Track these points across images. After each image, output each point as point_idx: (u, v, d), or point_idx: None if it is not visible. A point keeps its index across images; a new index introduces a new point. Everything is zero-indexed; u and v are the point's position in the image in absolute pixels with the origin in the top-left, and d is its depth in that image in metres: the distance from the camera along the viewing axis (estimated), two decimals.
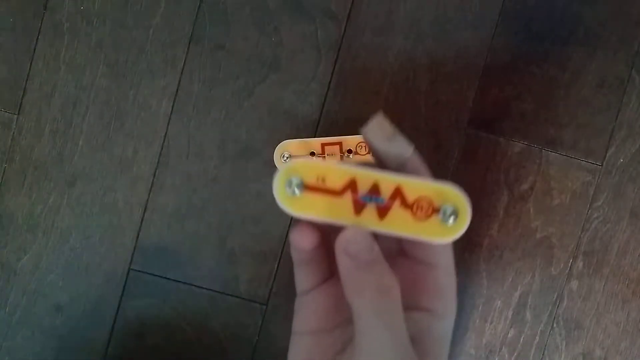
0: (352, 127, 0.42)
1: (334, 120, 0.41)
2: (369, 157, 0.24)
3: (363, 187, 0.23)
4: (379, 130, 0.24)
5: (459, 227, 0.23)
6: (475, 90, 0.41)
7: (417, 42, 0.41)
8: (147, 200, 0.42)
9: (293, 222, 0.23)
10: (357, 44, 0.41)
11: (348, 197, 0.23)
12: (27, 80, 0.42)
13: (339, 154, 0.38)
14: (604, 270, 0.41)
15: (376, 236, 0.24)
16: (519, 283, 0.41)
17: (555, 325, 0.41)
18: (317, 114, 0.41)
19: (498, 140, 0.41)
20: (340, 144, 0.37)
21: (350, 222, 0.23)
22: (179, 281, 0.42)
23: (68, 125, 0.42)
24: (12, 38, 0.42)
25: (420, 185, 0.23)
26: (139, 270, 0.42)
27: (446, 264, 0.24)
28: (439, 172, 0.41)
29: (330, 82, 0.41)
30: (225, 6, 0.41)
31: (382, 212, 0.23)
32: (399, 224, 0.23)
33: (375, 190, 0.23)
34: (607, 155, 0.41)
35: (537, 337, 0.41)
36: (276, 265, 0.42)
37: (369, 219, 0.23)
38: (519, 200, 0.41)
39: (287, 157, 0.37)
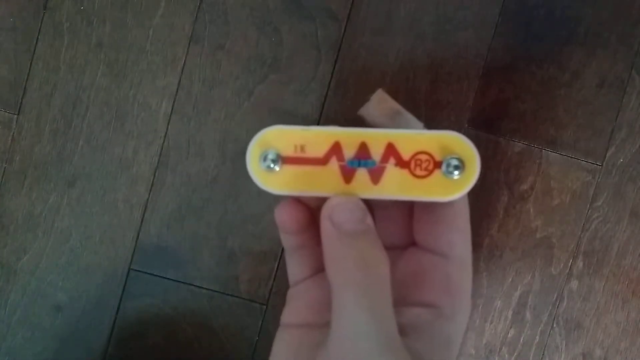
0: (352, 127, 0.42)
1: (334, 120, 0.41)
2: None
3: (349, 151, 0.19)
4: (381, 107, 0.21)
5: (468, 179, 0.20)
6: (475, 90, 0.41)
7: (417, 42, 0.41)
8: (147, 200, 0.42)
9: (277, 200, 0.22)
10: (357, 44, 0.41)
11: (334, 165, 0.19)
12: (27, 80, 0.42)
13: None
14: (604, 270, 0.41)
15: (377, 216, 0.21)
16: (519, 283, 0.41)
17: (555, 325, 0.41)
18: (317, 114, 0.41)
19: (498, 140, 0.41)
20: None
21: (340, 192, 0.19)
22: (179, 281, 0.42)
23: (68, 125, 0.42)
24: (12, 38, 0.42)
25: (416, 138, 0.19)
26: (139, 270, 0.42)
27: (461, 255, 0.21)
28: None
29: (330, 82, 0.41)
30: (225, 6, 0.41)
31: (376, 175, 0.19)
32: (396, 186, 0.19)
33: (363, 152, 0.19)
34: (607, 155, 0.41)
35: (537, 337, 0.42)
36: (276, 265, 0.42)
37: (361, 186, 0.19)
38: (519, 200, 0.41)
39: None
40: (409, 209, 0.22)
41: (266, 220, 0.42)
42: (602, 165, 0.41)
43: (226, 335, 0.42)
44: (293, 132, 0.20)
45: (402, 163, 0.19)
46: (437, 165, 0.19)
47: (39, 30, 0.42)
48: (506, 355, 0.42)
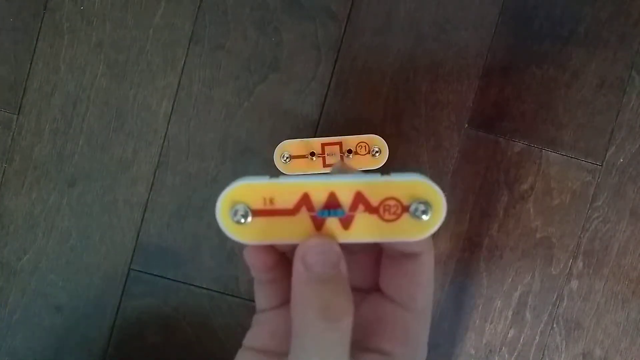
0: (352, 127, 0.42)
1: (334, 120, 0.41)
2: (369, 158, 0.25)
3: (318, 201, 0.19)
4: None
5: (435, 220, 0.20)
6: (475, 90, 0.41)
7: (417, 42, 0.41)
8: (147, 200, 0.42)
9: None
10: (357, 44, 0.41)
11: (304, 214, 0.20)
12: (27, 80, 0.42)
13: (339, 154, 0.38)
14: (604, 270, 0.41)
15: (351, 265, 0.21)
16: (519, 283, 0.41)
17: (555, 325, 0.41)
18: (317, 114, 0.41)
19: (498, 140, 0.41)
20: (340, 143, 0.37)
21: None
22: (179, 281, 0.42)
23: (68, 125, 0.42)
24: (12, 38, 0.42)
25: (383, 186, 0.20)
26: (139, 270, 0.42)
27: (422, 307, 0.21)
28: (439, 172, 0.41)
29: (330, 82, 0.41)
30: (225, 6, 0.41)
31: (346, 221, 0.20)
32: (367, 231, 0.20)
33: (332, 201, 0.20)
34: (607, 155, 0.41)
35: (537, 337, 0.41)
36: None
37: (333, 232, 0.20)
38: (519, 200, 0.41)
39: (287, 158, 0.38)
40: (376, 255, 0.23)
41: None
42: (602, 165, 0.41)
43: (226, 335, 0.42)
44: (261, 185, 0.20)
45: (371, 209, 0.20)
46: (405, 209, 0.20)
47: (39, 30, 0.42)
48: (506, 355, 0.42)
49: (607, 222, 0.41)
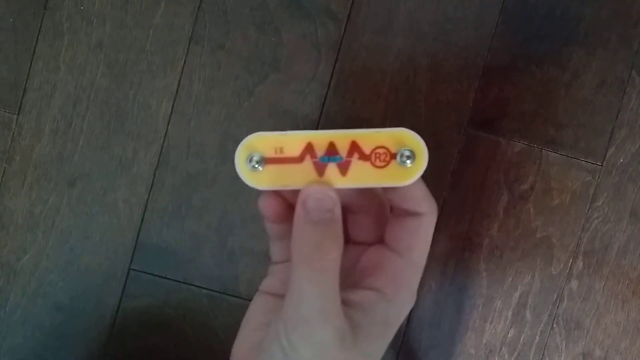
0: (352, 127, 0.42)
1: (334, 120, 0.41)
2: (395, 167, 0.25)
3: (320, 149, 0.23)
4: None
5: (418, 166, 0.24)
6: (475, 90, 0.41)
7: (417, 42, 0.41)
8: (147, 200, 0.42)
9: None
10: (357, 44, 0.41)
11: (308, 161, 0.24)
12: (27, 80, 0.42)
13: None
14: (604, 270, 0.41)
15: (359, 221, 0.26)
16: (519, 283, 0.41)
17: (555, 325, 0.41)
18: (317, 114, 0.41)
19: (498, 140, 0.41)
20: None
21: (315, 183, 0.24)
22: (179, 281, 0.42)
23: (68, 125, 0.42)
24: (12, 38, 0.42)
25: (374, 135, 0.23)
26: (139, 270, 0.42)
27: (416, 260, 0.25)
28: (439, 172, 0.41)
29: (330, 82, 0.41)
30: (225, 6, 0.41)
31: (344, 168, 0.23)
32: (361, 176, 0.23)
33: (332, 149, 0.23)
34: (607, 155, 0.41)
35: (537, 337, 0.42)
36: None
37: (333, 178, 0.23)
38: (519, 200, 0.41)
39: (258, 163, 0.25)
40: (375, 216, 0.27)
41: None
42: (602, 165, 0.41)
43: (226, 335, 0.42)
44: (272, 137, 0.24)
45: (364, 157, 0.23)
46: (393, 156, 0.23)
47: (39, 30, 0.42)
48: (506, 355, 0.42)
49: (607, 222, 0.41)
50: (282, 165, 0.24)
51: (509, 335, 0.42)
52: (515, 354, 0.42)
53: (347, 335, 0.23)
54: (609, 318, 0.41)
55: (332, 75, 0.41)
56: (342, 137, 0.23)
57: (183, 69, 0.42)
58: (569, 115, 0.41)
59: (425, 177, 0.38)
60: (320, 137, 0.23)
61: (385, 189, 0.25)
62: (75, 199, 0.42)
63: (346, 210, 0.26)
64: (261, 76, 0.42)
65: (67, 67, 0.42)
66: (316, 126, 0.41)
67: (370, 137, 0.23)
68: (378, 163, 0.23)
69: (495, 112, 0.41)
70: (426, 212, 0.25)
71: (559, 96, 0.41)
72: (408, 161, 0.23)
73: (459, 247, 0.42)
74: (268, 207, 0.25)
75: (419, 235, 0.25)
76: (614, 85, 0.41)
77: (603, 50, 0.41)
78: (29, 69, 0.42)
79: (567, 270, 0.41)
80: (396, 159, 0.23)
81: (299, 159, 0.24)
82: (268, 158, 0.24)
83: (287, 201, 0.25)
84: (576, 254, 0.41)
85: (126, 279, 0.42)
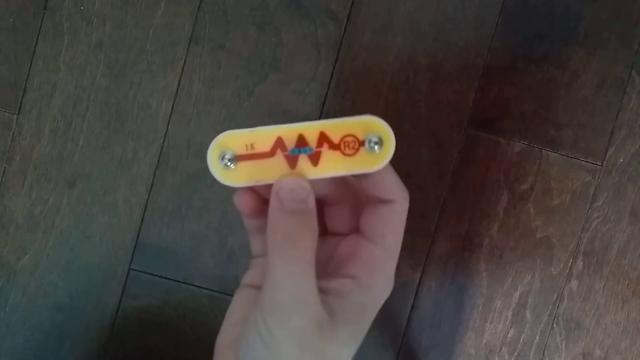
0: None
1: None
2: (363, 154, 0.25)
3: (290, 142, 0.24)
4: None
5: (386, 151, 0.24)
6: (475, 90, 0.41)
7: (417, 42, 0.41)
8: (147, 200, 0.42)
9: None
10: (357, 44, 0.41)
11: (280, 155, 0.24)
12: (27, 80, 0.42)
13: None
14: (604, 270, 0.41)
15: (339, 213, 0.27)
16: (519, 283, 0.41)
17: (555, 325, 0.41)
18: (317, 114, 0.41)
19: (498, 140, 0.41)
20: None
21: (288, 175, 0.24)
22: (179, 281, 0.42)
23: (68, 125, 0.42)
24: (12, 38, 0.42)
25: (342, 124, 0.24)
26: (139, 270, 0.42)
27: (389, 246, 0.25)
28: (439, 172, 0.41)
29: (330, 82, 0.41)
30: (225, 6, 0.41)
31: (315, 159, 0.24)
32: (332, 165, 0.24)
33: (302, 141, 0.24)
34: (607, 155, 0.41)
35: (537, 337, 0.42)
36: None
37: (305, 169, 0.24)
38: (519, 200, 0.41)
39: (230, 160, 0.25)
40: (351, 207, 0.27)
41: None
42: (602, 165, 0.41)
43: None
44: (243, 134, 0.24)
45: (333, 146, 0.24)
46: (362, 143, 0.24)
47: (39, 30, 0.42)
48: (506, 355, 0.42)
49: (607, 222, 0.41)
50: (254, 161, 0.24)
51: (509, 335, 0.42)
52: (515, 354, 0.42)
53: (324, 322, 0.23)
54: (609, 318, 0.41)
55: (332, 75, 0.41)
56: (310, 128, 0.24)
57: (183, 69, 0.42)
58: (569, 115, 0.41)
59: (425, 177, 0.38)
60: (289, 131, 0.24)
61: (358, 178, 0.25)
62: (75, 199, 0.42)
63: (322, 203, 0.27)
64: (261, 76, 0.42)
65: (67, 67, 0.42)
66: None
67: (337, 127, 0.24)
68: (347, 151, 0.24)
69: (495, 112, 0.41)
70: (397, 199, 0.25)
71: (559, 96, 0.41)
72: (376, 147, 0.23)
73: (459, 247, 0.42)
74: (244, 203, 0.26)
75: (392, 222, 0.25)
76: (614, 85, 0.41)
77: (603, 50, 0.41)
78: (29, 69, 0.42)
79: (567, 270, 0.41)
80: (365, 146, 0.24)
81: (270, 154, 0.24)
82: (240, 155, 0.24)
83: (262, 196, 0.26)
84: (576, 254, 0.41)
85: (126, 279, 0.42)
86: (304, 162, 0.24)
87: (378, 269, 0.25)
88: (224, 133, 0.24)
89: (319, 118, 0.41)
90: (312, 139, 0.24)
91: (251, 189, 0.25)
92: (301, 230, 0.23)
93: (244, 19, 0.41)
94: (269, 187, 0.24)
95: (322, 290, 0.24)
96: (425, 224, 0.41)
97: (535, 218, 0.41)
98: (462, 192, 0.41)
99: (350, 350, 0.25)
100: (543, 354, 0.42)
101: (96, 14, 0.42)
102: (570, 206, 0.41)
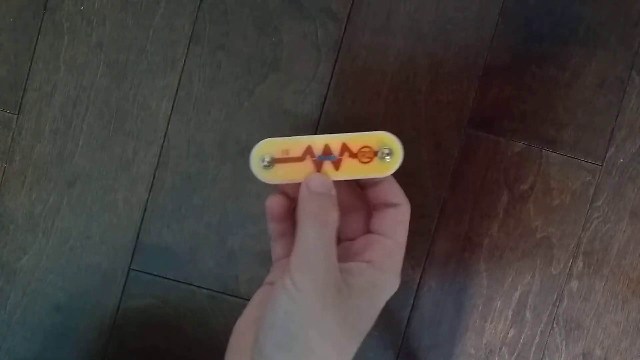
0: (352, 127, 0.42)
1: (334, 120, 0.41)
2: (377, 162, 0.31)
3: (318, 150, 0.29)
4: None
5: (395, 161, 0.29)
6: (475, 90, 0.41)
7: (417, 42, 0.41)
8: (147, 200, 0.42)
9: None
10: (357, 44, 0.41)
11: (308, 160, 0.29)
12: (27, 80, 0.42)
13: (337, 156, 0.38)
14: (604, 270, 0.41)
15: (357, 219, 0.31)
16: (519, 283, 0.41)
17: (555, 325, 0.41)
18: (317, 114, 0.41)
19: (498, 140, 0.41)
20: (343, 145, 0.37)
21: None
22: (179, 281, 0.42)
23: (68, 125, 0.42)
24: (12, 38, 0.42)
25: (360, 138, 0.29)
26: (139, 270, 0.42)
27: (399, 239, 0.30)
28: (439, 172, 0.41)
29: (330, 82, 0.41)
30: (225, 6, 0.41)
31: (337, 164, 0.29)
32: (351, 170, 0.29)
33: (327, 150, 0.29)
34: (607, 155, 0.41)
35: (537, 337, 0.42)
36: None
37: (328, 172, 0.29)
38: (519, 200, 0.41)
39: (269, 162, 0.30)
40: (364, 216, 0.32)
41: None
42: (602, 165, 0.41)
43: (226, 335, 0.42)
44: (280, 141, 0.30)
45: (352, 155, 0.29)
46: (375, 154, 0.29)
47: (39, 30, 0.42)
48: (506, 355, 0.42)
49: (607, 222, 0.41)
50: (287, 164, 0.29)
51: (509, 335, 0.42)
52: (515, 354, 0.42)
53: (343, 288, 0.27)
54: (609, 318, 0.41)
55: (332, 75, 0.41)
56: (335, 140, 0.29)
57: (183, 69, 0.42)
58: (569, 115, 0.41)
59: (425, 177, 0.38)
60: (318, 141, 0.29)
61: (369, 188, 0.31)
62: (75, 199, 0.42)
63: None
64: (261, 76, 0.42)
65: (67, 67, 0.42)
66: (316, 126, 0.41)
67: (357, 139, 0.29)
68: (364, 159, 0.29)
69: (495, 112, 0.41)
70: (402, 203, 0.30)
71: (559, 96, 0.41)
72: (387, 157, 0.29)
73: (459, 247, 0.42)
74: (275, 205, 0.30)
75: (400, 220, 0.30)
76: (614, 85, 0.41)
77: (603, 50, 0.41)
78: (29, 69, 0.42)
79: (567, 270, 0.41)
80: (378, 156, 0.29)
81: (301, 159, 0.29)
82: (276, 158, 0.29)
83: (290, 199, 0.30)
84: (576, 254, 0.41)
85: (126, 279, 0.42)
86: (328, 166, 0.29)
87: (390, 256, 0.29)
88: (265, 140, 0.29)
89: (319, 118, 0.41)
90: (335, 148, 0.29)
91: (282, 193, 0.30)
92: (328, 206, 0.28)
93: (244, 19, 0.41)
94: (296, 188, 0.29)
95: (340, 270, 0.27)
96: (425, 224, 0.41)
97: (535, 218, 0.41)
98: (462, 192, 0.41)
99: (365, 325, 0.28)
100: (543, 354, 0.42)
101: (96, 14, 0.42)
102: (570, 206, 0.41)
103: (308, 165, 0.29)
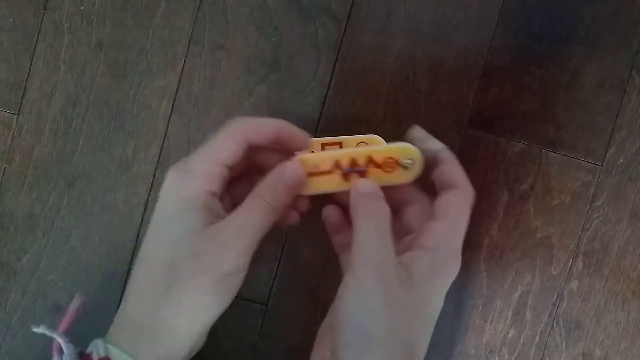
0: (352, 126, 0.42)
1: (334, 120, 0.41)
2: (399, 171, 0.34)
3: (345, 164, 0.32)
4: (417, 134, 0.35)
5: (416, 169, 0.33)
6: (475, 90, 0.41)
7: (417, 42, 0.41)
8: (147, 200, 0.42)
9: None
10: (357, 44, 0.41)
11: (337, 173, 0.32)
12: (27, 80, 0.42)
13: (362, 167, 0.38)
14: (604, 270, 0.41)
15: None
16: (519, 283, 0.41)
17: (555, 325, 0.41)
18: (317, 114, 0.41)
19: (498, 140, 0.41)
20: (340, 143, 0.37)
21: (343, 187, 0.32)
22: None
23: (68, 125, 0.42)
24: (12, 38, 0.42)
25: (383, 150, 0.33)
26: None
27: (452, 220, 0.31)
28: None
29: (330, 82, 0.41)
30: (225, 6, 0.41)
31: (363, 175, 0.32)
32: (376, 179, 0.32)
33: (354, 163, 0.32)
34: (607, 155, 0.41)
35: (537, 337, 0.42)
36: (276, 265, 0.42)
37: (355, 182, 0.32)
38: (519, 200, 0.41)
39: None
40: (419, 205, 0.34)
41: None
42: (602, 165, 0.41)
43: (226, 335, 0.42)
44: (310, 158, 0.33)
45: (377, 166, 0.32)
46: (398, 163, 0.32)
47: (39, 30, 0.42)
48: (506, 355, 0.42)
49: (607, 222, 0.41)
50: (319, 177, 0.33)
51: (509, 335, 0.42)
52: (515, 354, 0.42)
53: (404, 278, 0.28)
54: (609, 318, 0.41)
55: (332, 75, 0.41)
56: (360, 153, 0.32)
57: (183, 69, 0.42)
58: (569, 115, 0.41)
59: (424, 177, 0.38)
60: (345, 155, 0.32)
61: (433, 170, 0.33)
62: (75, 199, 0.42)
63: (393, 210, 0.32)
64: (261, 76, 0.42)
65: (67, 67, 0.42)
66: (316, 126, 0.41)
67: (381, 152, 0.32)
68: (387, 169, 0.32)
69: (495, 112, 0.41)
70: (460, 185, 0.31)
71: (559, 96, 0.41)
72: (409, 166, 0.32)
73: None
74: (330, 215, 0.35)
75: (453, 201, 0.31)
76: (614, 85, 0.41)
77: (603, 50, 0.41)
78: (29, 69, 0.42)
79: (567, 270, 0.41)
80: (400, 165, 0.32)
81: (330, 172, 0.32)
82: (309, 172, 0.33)
83: (343, 208, 0.34)
84: (576, 254, 0.41)
85: (126, 279, 0.42)
86: (354, 177, 0.32)
87: (444, 237, 0.30)
88: (297, 157, 0.33)
89: (319, 118, 0.41)
90: (361, 161, 0.32)
91: (334, 205, 0.35)
92: (378, 202, 0.30)
93: (244, 19, 0.41)
94: (347, 196, 0.32)
95: (400, 262, 0.29)
96: None
97: (535, 218, 0.41)
98: None
99: (434, 311, 0.30)
100: (543, 354, 0.42)
101: (96, 14, 0.42)
102: (570, 206, 0.41)
103: (337, 177, 0.32)
